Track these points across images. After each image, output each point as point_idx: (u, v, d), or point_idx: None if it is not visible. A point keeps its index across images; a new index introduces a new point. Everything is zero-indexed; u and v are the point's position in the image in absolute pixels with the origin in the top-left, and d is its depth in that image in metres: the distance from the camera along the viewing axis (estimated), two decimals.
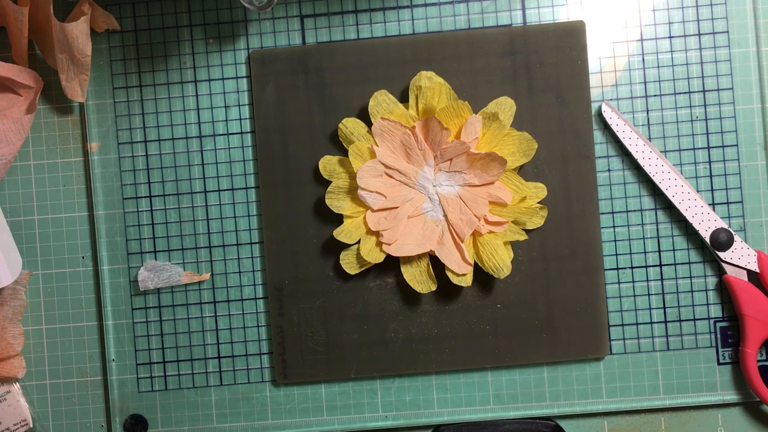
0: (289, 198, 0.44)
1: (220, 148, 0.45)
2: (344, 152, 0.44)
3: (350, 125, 0.43)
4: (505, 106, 0.43)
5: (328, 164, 0.43)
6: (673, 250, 0.44)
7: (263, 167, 0.44)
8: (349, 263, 0.43)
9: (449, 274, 0.43)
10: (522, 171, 0.44)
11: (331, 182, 0.43)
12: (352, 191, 0.43)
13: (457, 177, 0.43)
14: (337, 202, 0.43)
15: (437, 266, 0.43)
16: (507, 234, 0.43)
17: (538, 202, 0.43)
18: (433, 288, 0.43)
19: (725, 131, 0.44)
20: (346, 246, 0.43)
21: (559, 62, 0.44)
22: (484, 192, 0.42)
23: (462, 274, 0.43)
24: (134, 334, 0.45)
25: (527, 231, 0.44)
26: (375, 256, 0.43)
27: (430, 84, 0.42)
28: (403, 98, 0.44)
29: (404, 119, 0.43)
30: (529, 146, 0.43)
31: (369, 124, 0.43)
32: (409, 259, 0.43)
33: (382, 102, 0.43)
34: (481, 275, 0.44)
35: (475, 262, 0.43)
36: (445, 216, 0.43)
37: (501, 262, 0.42)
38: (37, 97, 0.44)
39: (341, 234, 0.43)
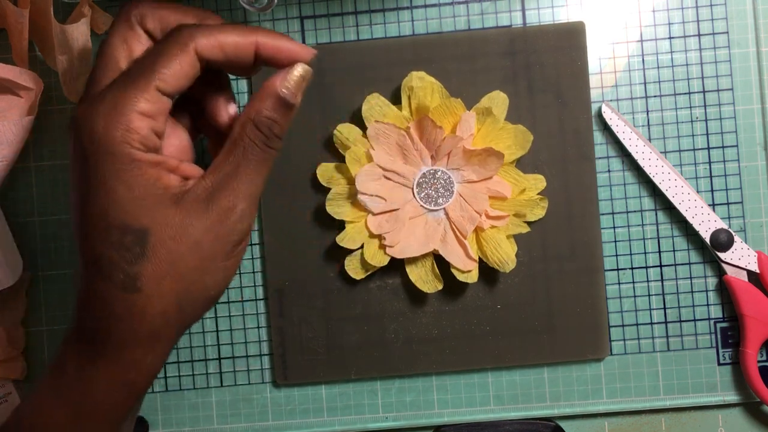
0: (289, 200, 0.44)
1: None
2: (341, 157, 0.43)
3: (345, 131, 0.43)
4: (497, 100, 0.43)
5: (325, 171, 0.43)
6: (674, 250, 0.44)
7: None
8: (354, 269, 0.43)
9: (454, 271, 0.43)
10: (521, 171, 0.44)
11: (328, 186, 0.43)
12: (352, 196, 0.43)
13: (456, 174, 0.43)
14: (337, 208, 0.43)
15: (440, 265, 0.43)
16: (509, 227, 0.43)
17: (538, 193, 0.43)
18: (440, 287, 0.43)
19: (725, 132, 0.44)
20: (346, 247, 0.43)
21: (559, 63, 0.44)
22: (483, 187, 0.42)
23: (467, 271, 0.43)
24: None
25: (529, 223, 0.44)
26: (379, 260, 0.43)
27: (421, 84, 0.42)
28: (400, 99, 0.44)
29: (399, 121, 0.43)
30: (525, 138, 0.43)
31: (364, 127, 0.43)
32: (413, 260, 0.43)
33: (375, 105, 0.43)
34: (482, 274, 0.43)
35: (479, 258, 0.43)
36: (446, 214, 0.43)
37: (506, 256, 0.42)
38: (37, 98, 0.44)
39: (344, 240, 0.43)
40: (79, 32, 0.42)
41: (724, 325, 0.45)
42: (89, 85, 0.34)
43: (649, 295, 0.45)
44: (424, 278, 0.43)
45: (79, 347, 0.34)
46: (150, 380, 0.35)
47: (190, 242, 0.33)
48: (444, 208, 0.43)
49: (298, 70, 0.34)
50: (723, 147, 0.44)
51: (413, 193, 0.43)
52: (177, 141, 0.37)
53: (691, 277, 0.44)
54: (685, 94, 0.44)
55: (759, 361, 0.44)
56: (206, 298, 0.35)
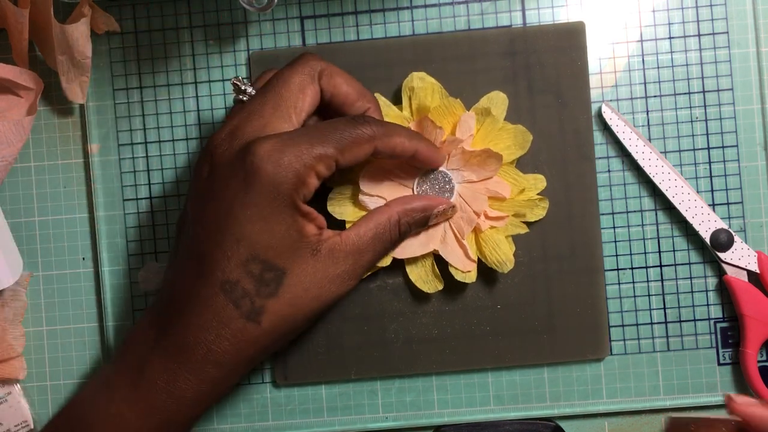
0: None
1: None
2: None
3: None
4: (497, 101, 0.43)
5: None
6: (674, 250, 0.44)
7: None
8: None
9: (453, 271, 0.43)
10: (521, 171, 0.44)
11: (329, 186, 0.43)
12: (354, 196, 0.43)
13: (456, 174, 0.43)
14: (339, 208, 0.43)
15: (440, 265, 0.43)
16: (508, 228, 0.43)
17: (538, 194, 0.43)
18: (440, 287, 0.43)
19: (725, 132, 0.44)
20: None
21: (559, 63, 0.44)
22: (482, 188, 0.42)
23: (466, 271, 0.43)
24: None
25: (529, 224, 0.43)
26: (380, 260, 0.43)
27: (422, 84, 0.42)
28: (400, 99, 0.44)
29: (399, 121, 0.43)
30: (525, 138, 0.43)
31: None
32: (414, 260, 0.43)
33: None
34: (482, 275, 0.43)
35: (478, 258, 0.43)
36: None
37: (504, 256, 0.42)
38: (37, 98, 0.44)
39: None
40: (79, 32, 0.42)
41: (724, 325, 0.45)
42: (252, 115, 0.37)
43: (649, 295, 0.45)
44: (424, 278, 0.43)
45: (166, 355, 0.36)
46: (222, 398, 0.39)
47: (313, 294, 0.36)
48: None
49: (451, 210, 0.41)
50: (723, 147, 0.44)
51: (413, 194, 0.43)
52: None
53: (691, 277, 0.44)
54: (685, 94, 0.44)
55: (759, 361, 0.44)
56: (288, 341, 0.40)
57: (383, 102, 0.43)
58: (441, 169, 0.42)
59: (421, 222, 0.40)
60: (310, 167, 0.35)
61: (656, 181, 0.43)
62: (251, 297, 0.35)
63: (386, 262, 0.43)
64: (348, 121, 0.37)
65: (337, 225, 0.43)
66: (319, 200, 0.43)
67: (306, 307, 0.36)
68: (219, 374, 0.36)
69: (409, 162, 0.40)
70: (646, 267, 0.44)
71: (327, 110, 0.40)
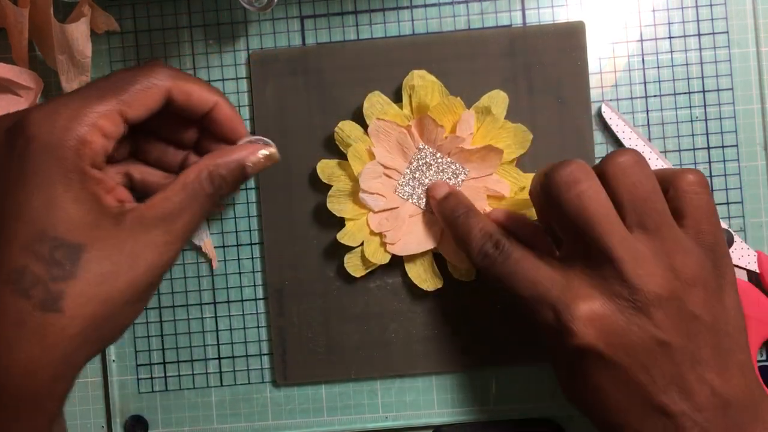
0: (289, 199, 0.44)
1: None
2: (341, 154, 0.43)
3: (346, 129, 0.43)
4: (497, 99, 0.43)
5: (326, 168, 0.43)
6: None
7: None
8: (354, 266, 0.43)
9: (451, 269, 0.43)
10: (521, 171, 0.44)
11: (328, 183, 0.43)
12: (353, 194, 0.43)
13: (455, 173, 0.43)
14: (338, 205, 0.43)
15: (440, 265, 0.43)
16: None
17: None
18: (440, 285, 0.43)
19: (725, 132, 0.44)
20: (346, 245, 0.43)
21: (559, 63, 0.44)
22: (482, 186, 0.42)
23: (464, 269, 0.43)
24: (134, 334, 0.45)
25: None
26: (380, 257, 0.43)
27: (422, 82, 0.42)
28: (400, 98, 0.44)
29: (399, 119, 0.43)
30: (525, 137, 0.43)
31: (364, 125, 0.43)
32: (413, 258, 0.43)
33: (376, 103, 0.43)
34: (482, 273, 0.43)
35: None
36: None
37: None
38: (37, 98, 0.44)
39: (344, 237, 0.43)
40: (79, 32, 0.42)
41: None
42: (70, 96, 0.34)
43: None
44: (423, 276, 0.43)
45: None
46: (61, 406, 0.32)
47: (125, 266, 0.32)
48: None
49: (267, 152, 0.37)
50: (723, 147, 0.44)
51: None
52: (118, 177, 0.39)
53: None
54: (685, 94, 0.44)
55: (759, 361, 0.44)
56: (122, 327, 0.33)
57: (383, 100, 0.43)
58: (447, 159, 0.42)
59: (237, 172, 0.36)
60: (89, 125, 0.31)
61: None
62: (44, 283, 0.30)
63: (385, 259, 0.43)
64: (131, 70, 0.34)
65: (339, 224, 0.43)
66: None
67: (121, 283, 0.31)
68: (36, 384, 0.30)
69: (205, 123, 0.37)
70: None
71: (191, 120, 0.38)
